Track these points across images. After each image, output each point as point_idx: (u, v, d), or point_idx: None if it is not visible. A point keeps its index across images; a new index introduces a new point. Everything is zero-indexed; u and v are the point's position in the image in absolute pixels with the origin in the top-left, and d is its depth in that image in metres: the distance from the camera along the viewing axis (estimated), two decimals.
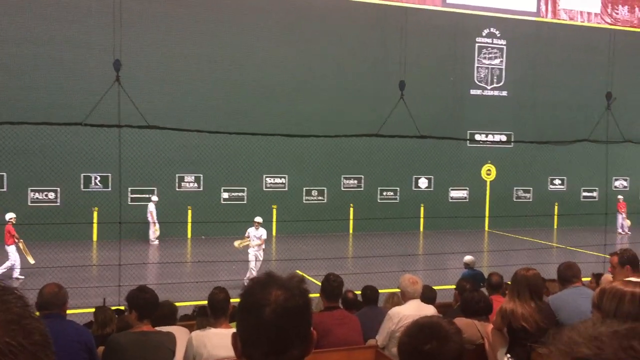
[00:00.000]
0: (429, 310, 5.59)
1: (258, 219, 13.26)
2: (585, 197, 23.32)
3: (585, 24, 22.97)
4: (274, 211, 19.62)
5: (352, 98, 20.08)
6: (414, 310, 5.45)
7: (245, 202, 19.67)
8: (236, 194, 19.70)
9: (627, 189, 23.80)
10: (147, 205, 18.09)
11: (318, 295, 5.54)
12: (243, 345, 1.46)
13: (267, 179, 20.00)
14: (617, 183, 23.69)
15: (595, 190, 23.05)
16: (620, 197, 22.34)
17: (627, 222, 21.82)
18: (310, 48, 19.88)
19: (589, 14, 23.08)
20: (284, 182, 20.16)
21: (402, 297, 5.73)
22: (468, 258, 10.81)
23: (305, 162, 19.57)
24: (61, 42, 17.53)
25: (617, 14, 23.31)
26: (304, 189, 20.32)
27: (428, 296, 6.40)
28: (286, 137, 12.95)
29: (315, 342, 1.52)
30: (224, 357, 4.11)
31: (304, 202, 20.30)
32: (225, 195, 19.60)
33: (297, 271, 12.77)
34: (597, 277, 7.88)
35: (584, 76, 22.14)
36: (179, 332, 4.70)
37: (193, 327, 5.40)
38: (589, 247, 15.80)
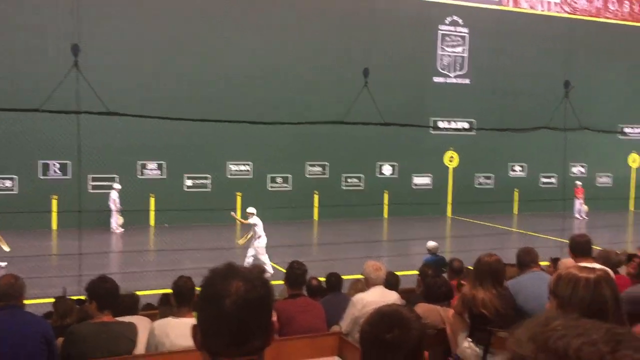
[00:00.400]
0: (392, 296, 5.66)
1: (251, 210, 13.02)
2: (544, 183, 23.86)
3: (546, 12, 23.37)
4: (239, 199, 19.51)
5: (317, 85, 20.04)
6: (377, 296, 5.51)
7: (209, 189, 19.51)
8: (200, 181, 19.52)
9: (585, 175, 24.43)
10: (110, 193, 17.77)
11: (283, 282, 5.55)
12: (203, 337, 1.45)
13: (231, 166, 19.86)
14: (574, 169, 24.29)
15: (553, 176, 23.59)
16: (578, 182, 22.94)
17: (585, 208, 22.41)
18: (275, 35, 19.73)
19: (549, 3, 23.47)
20: (248, 169, 20.06)
21: (366, 284, 5.79)
22: (431, 244, 10.96)
23: (269, 149, 19.50)
24: (17, 27, 16.98)
25: (575, 3, 23.77)
26: (269, 176, 20.26)
27: (391, 282, 6.47)
28: (251, 124, 12.85)
29: (277, 332, 1.52)
30: (187, 347, 4.08)
31: (269, 189, 20.25)
32: (188, 182, 19.40)
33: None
34: (554, 261, 8.08)
35: (544, 64, 22.54)
36: (141, 322, 4.64)
37: (156, 317, 5.35)
38: (547, 232, 16.21)
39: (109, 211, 17.61)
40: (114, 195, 17.73)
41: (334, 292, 6.48)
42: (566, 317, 0.91)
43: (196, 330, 1.47)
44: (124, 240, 16.92)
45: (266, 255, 12.34)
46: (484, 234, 17.89)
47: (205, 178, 19.55)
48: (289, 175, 20.49)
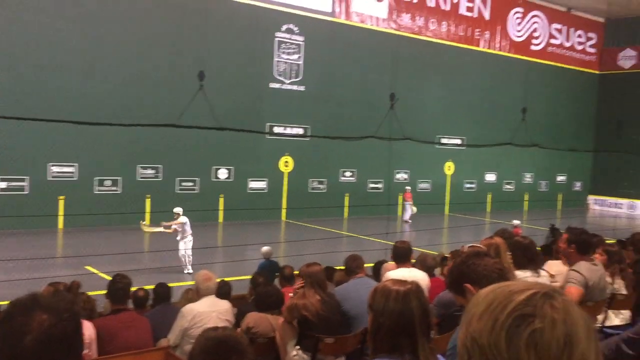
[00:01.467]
0: (224, 305, 5.61)
1: (177, 210, 13.19)
2: (372, 188, 25.25)
3: (374, 27, 24.80)
4: (61, 203, 18.10)
5: (150, 85, 19.27)
6: (208, 306, 5.43)
7: (27, 192, 17.83)
8: (15, 183, 17.76)
9: (407, 181, 26.29)
10: None
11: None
12: None
13: (53, 167, 18.35)
14: (398, 175, 26.04)
15: (380, 182, 25.08)
16: (407, 187, 24.66)
17: (414, 209, 24.02)
18: (106, 30, 18.62)
19: (377, 18, 24.95)
20: (73, 170, 18.67)
21: (197, 294, 5.69)
22: (265, 249, 11.04)
23: (97, 149, 18.36)
24: None
25: (401, 20, 25.54)
26: (96, 178, 19.04)
27: (223, 291, 6.39)
28: (75, 124, 11.99)
29: (97, 352, 1.38)
30: None
31: (96, 192, 19.03)
32: (2, 184, 17.57)
33: (88, 267, 11.93)
34: (380, 264, 8.54)
35: (372, 76, 23.89)
36: None
37: None
38: (375, 235, 17.14)
39: None
40: None
41: (162, 303, 6.24)
42: None
43: None
44: None
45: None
46: (317, 237, 18.42)
47: (22, 180, 17.84)
48: (119, 178, 19.44)
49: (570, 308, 0.99)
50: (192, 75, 13.36)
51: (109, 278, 5.51)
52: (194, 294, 6.18)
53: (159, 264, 12.61)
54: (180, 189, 20.71)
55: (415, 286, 2.37)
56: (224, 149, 20.69)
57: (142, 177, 19.96)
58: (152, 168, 20.12)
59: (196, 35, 19.90)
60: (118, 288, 4.86)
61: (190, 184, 20.96)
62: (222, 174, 21.65)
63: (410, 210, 23.93)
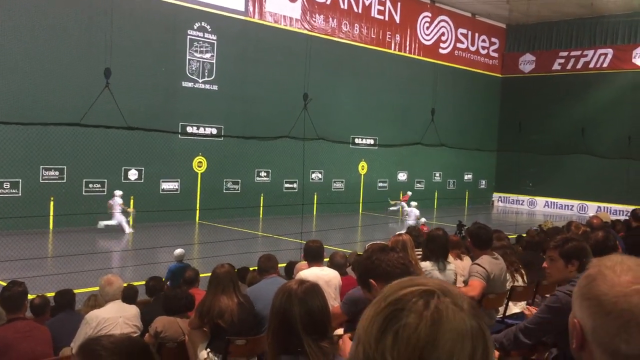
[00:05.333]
0: (131, 310, 5.44)
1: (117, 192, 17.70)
2: (287, 188, 25.29)
3: (288, 27, 24.85)
4: None
5: (53, 81, 18.34)
6: (114, 312, 5.25)
7: None
8: None
9: (322, 181, 26.54)
10: None
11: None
12: None
13: None
14: (313, 175, 26.24)
15: (295, 182, 25.16)
16: (409, 192, 26.44)
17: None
18: (4, 21, 17.54)
19: (291, 18, 25.01)
20: None
21: (102, 299, 5.50)
22: (178, 251, 10.79)
23: None
24: None
25: (314, 21, 25.74)
26: None
27: (128, 295, 6.18)
28: None
29: None
30: None
31: None
32: None
33: None
34: (292, 263, 8.57)
35: (286, 76, 23.91)
36: None
37: None
38: (290, 235, 17.17)
39: None
40: None
41: (64, 310, 5.95)
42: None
43: None
44: None
45: None
46: (232, 238, 18.22)
47: None
48: (19, 180, 18.36)
49: (449, 311, 0.97)
50: (98, 72, 12.83)
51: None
52: (99, 300, 5.95)
53: (65, 269, 12.02)
54: (87, 191, 19.85)
55: (312, 285, 2.38)
56: (134, 150, 20.00)
57: (45, 179, 18.95)
58: (56, 169, 19.15)
59: (103, 31, 19.12)
60: (11, 296, 4.56)
61: (98, 185, 20.13)
62: (133, 175, 20.95)
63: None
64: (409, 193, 26.56)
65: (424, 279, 1.06)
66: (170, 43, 21.34)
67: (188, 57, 22.04)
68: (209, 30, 22.52)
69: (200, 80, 22.40)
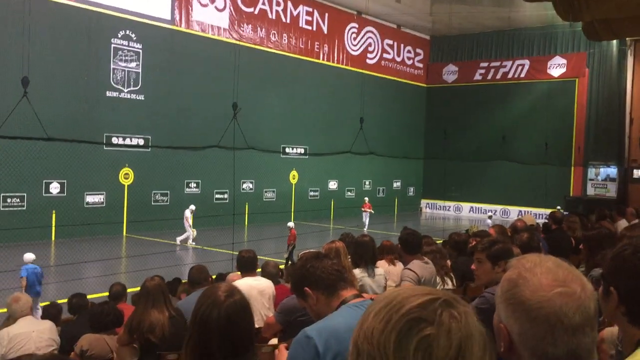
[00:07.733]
0: (44, 324, 5.27)
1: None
2: (217, 199, 24.95)
3: (215, 37, 24.61)
4: None
5: None
6: (25, 327, 5.09)
7: None
8: None
9: (253, 190, 26.36)
10: None
11: None
12: None
13: None
14: (244, 185, 26.02)
15: (226, 192, 24.86)
16: (366, 198, 26.85)
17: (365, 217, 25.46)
18: None
19: (219, 28, 24.79)
20: None
21: (12, 318, 5.32)
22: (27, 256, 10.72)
23: None
24: None
25: (242, 31, 25.63)
26: None
27: (52, 313, 5.92)
28: None
29: None
30: None
31: None
32: None
33: None
34: (222, 275, 8.42)
35: (214, 86, 23.64)
36: None
37: None
38: (221, 246, 16.94)
39: None
40: None
41: None
42: None
43: None
44: None
45: None
46: (161, 251, 17.79)
47: None
48: None
49: (470, 319, 1.00)
50: (16, 81, 12.24)
51: None
52: (9, 321, 5.70)
53: None
54: (5, 206, 18.85)
55: (232, 302, 2.33)
56: (55, 161, 19.18)
57: None
58: None
59: (19, 38, 18.27)
60: None
61: (17, 200, 19.16)
62: (54, 188, 20.07)
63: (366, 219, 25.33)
64: (366, 199, 27.05)
65: (427, 288, 1.07)
66: (93, 51, 20.66)
67: (112, 66, 21.40)
68: (134, 38, 21.97)
69: (125, 90, 21.79)
